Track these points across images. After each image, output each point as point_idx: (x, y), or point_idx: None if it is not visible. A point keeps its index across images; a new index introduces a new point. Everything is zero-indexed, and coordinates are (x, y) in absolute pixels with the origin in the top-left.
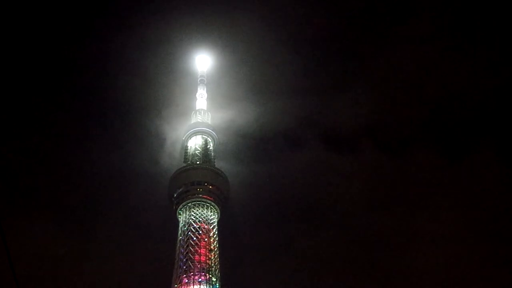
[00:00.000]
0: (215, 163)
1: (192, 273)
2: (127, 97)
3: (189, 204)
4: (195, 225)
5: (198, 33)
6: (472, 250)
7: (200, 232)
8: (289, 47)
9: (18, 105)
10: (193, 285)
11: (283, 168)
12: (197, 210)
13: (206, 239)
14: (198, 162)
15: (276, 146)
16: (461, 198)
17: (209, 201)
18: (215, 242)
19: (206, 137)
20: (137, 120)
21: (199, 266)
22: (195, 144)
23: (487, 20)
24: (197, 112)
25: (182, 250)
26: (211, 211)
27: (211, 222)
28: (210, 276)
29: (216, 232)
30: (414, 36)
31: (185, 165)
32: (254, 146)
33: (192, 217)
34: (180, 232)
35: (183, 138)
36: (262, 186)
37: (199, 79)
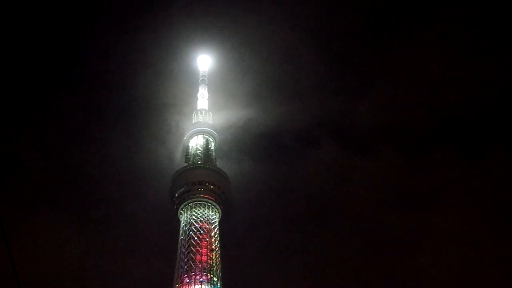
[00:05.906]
0: (217, 163)
1: (193, 273)
2: (147, 94)
3: (190, 204)
4: (196, 225)
5: (211, 31)
6: (490, 250)
7: (202, 232)
8: (309, 47)
9: (36, 101)
10: (195, 284)
11: (298, 168)
12: (199, 210)
13: (207, 239)
14: (199, 162)
15: (292, 146)
16: (479, 198)
17: (210, 201)
18: (217, 242)
19: (208, 137)
20: (157, 117)
21: (200, 266)
22: (196, 144)
23: (510, 22)
24: (198, 112)
25: (184, 250)
26: (212, 211)
27: (212, 222)
28: (211, 276)
29: (218, 232)
30: (435, 38)
31: (186, 165)
32: (269, 146)
33: (193, 217)
34: (181, 232)
35: (184, 138)
36: (273, 186)
37: (200, 79)
